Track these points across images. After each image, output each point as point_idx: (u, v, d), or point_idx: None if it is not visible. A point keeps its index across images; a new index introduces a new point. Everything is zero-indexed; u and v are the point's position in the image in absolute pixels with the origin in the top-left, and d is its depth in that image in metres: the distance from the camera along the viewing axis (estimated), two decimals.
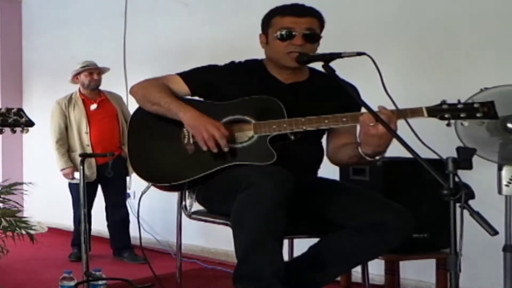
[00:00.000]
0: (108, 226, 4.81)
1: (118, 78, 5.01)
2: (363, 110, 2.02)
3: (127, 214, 4.76)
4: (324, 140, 2.41)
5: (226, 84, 2.31)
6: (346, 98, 2.15)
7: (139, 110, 2.41)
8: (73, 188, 4.67)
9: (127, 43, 5.24)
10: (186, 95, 2.36)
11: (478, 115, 2.02)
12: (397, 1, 3.71)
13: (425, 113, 2.03)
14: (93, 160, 4.47)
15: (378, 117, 1.93)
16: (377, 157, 2.09)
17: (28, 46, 6.67)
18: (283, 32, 2.22)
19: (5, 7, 6.56)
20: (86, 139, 4.58)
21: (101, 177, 4.58)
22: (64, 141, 4.63)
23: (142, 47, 5.20)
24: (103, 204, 4.76)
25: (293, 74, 2.32)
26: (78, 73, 4.64)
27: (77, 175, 4.57)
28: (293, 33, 2.21)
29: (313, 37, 2.23)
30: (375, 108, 1.97)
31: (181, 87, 2.34)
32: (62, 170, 4.63)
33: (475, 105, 2.03)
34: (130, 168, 2.82)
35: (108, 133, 4.65)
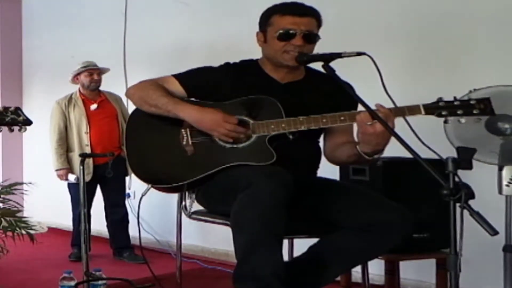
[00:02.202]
0: (107, 226, 4.81)
1: (118, 78, 5.00)
2: (360, 108, 2.02)
3: (127, 214, 4.76)
4: (321, 139, 2.40)
5: (222, 84, 2.30)
6: (343, 97, 2.15)
7: (135, 113, 2.40)
8: (72, 188, 4.67)
9: (127, 43, 5.24)
10: (182, 97, 2.34)
11: (474, 111, 2.03)
12: (397, 2, 3.71)
13: (423, 111, 2.03)
14: (90, 160, 4.46)
15: (376, 115, 1.93)
16: (376, 156, 2.09)
17: (28, 46, 6.66)
18: (283, 32, 2.20)
19: (5, 7, 6.55)
20: (85, 139, 4.57)
21: (100, 177, 4.57)
22: (63, 142, 4.63)
23: (142, 47, 5.19)
24: (103, 204, 4.76)
25: (290, 73, 2.32)
26: (79, 73, 4.64)
27: (70, 176, 4.57)
28: (293, 33, 2.19)
29: (313, 38, 2.23)
30: (372, 107, 1.97)
31: (177, 89, 2.33)
32: (57, 170, 4.62)
33: (472, 102, 2.03)
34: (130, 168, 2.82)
35: (108, 133, 4.65)
